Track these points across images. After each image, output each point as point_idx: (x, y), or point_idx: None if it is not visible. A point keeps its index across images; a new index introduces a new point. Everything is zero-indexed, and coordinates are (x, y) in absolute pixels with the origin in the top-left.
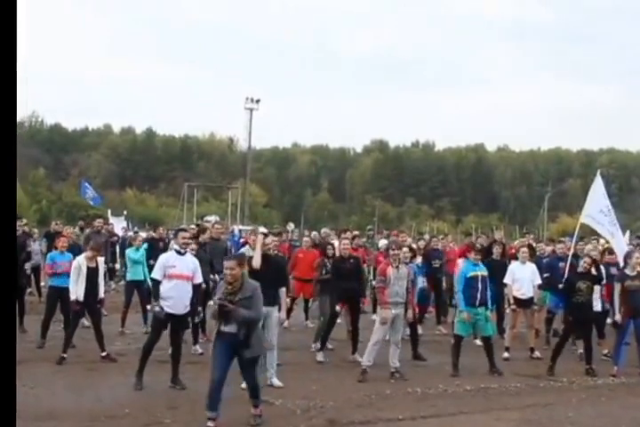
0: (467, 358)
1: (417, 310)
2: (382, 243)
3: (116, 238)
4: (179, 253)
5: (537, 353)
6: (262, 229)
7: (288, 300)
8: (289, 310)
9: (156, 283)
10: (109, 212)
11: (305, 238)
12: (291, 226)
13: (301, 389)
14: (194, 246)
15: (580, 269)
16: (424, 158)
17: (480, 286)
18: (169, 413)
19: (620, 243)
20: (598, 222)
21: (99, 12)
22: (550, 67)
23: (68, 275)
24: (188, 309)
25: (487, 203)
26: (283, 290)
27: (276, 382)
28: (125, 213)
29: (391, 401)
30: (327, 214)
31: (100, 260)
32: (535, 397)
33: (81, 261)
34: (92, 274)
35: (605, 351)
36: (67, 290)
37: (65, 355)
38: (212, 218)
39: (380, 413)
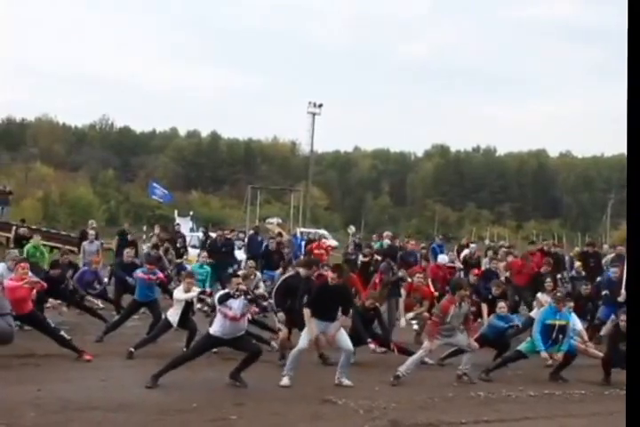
0: (528, 364)
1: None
2: (466, 252)
3: (181, 239)
4: (232, 296)
5: None
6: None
7: None
8: None
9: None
10: (176, 212)
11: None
12: (352, 229)
13: (364, 389)
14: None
15: None
16: (485, 163)
17: (555, 335)
18: (235, 409)
19: None
20: None
21: (169, 21)
22: (615, 71)
23: (151, 289)
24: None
25: (549, 209)
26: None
27: (346, 380)
28: (191, 213)
29: (454, 404)
30: (387, 218)
31: (196, 290)
32: (600, 404)
33: (180, 296)
34: (187, 306)
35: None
36: (151, 302)
37: (133, 350)
38: (274, 220)
39: (443, 415)
